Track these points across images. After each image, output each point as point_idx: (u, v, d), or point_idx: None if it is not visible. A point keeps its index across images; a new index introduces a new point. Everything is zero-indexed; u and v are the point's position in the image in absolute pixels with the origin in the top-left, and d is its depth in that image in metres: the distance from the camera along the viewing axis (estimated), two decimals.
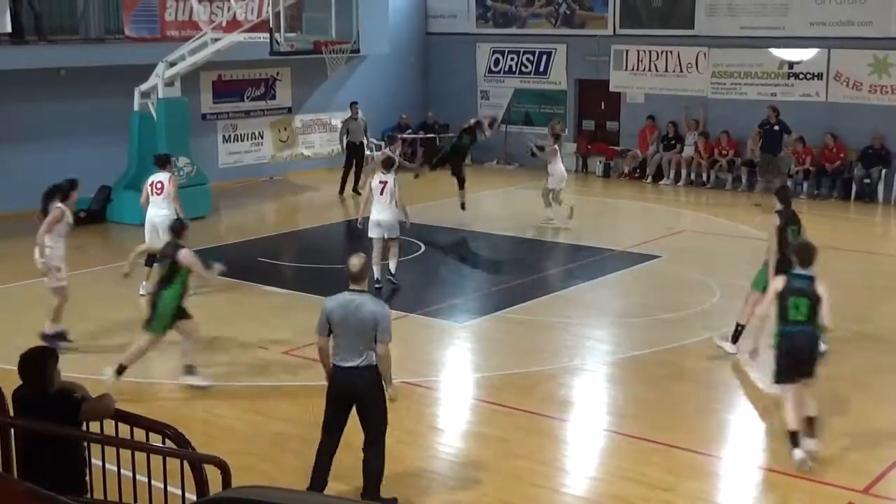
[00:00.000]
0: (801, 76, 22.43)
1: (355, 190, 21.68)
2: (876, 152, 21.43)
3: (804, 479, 8.28)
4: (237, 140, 23.19)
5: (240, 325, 12.65)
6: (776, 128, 21.64)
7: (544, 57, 25.82)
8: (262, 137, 23.76)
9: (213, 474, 6.27)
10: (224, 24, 19.95)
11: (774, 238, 10.93)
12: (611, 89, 24.78)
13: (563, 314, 13.21)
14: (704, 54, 23.42)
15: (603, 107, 25.20)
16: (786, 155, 21.72)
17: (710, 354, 11.44)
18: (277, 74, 23.77)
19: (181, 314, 10.46)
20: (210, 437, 8.61)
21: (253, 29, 19.16)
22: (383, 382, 7.81)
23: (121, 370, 10.07)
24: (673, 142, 23.58)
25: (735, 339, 11.35)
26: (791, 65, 22.53)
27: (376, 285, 13.29)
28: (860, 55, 21.64)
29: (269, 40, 18.02)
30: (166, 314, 10.31)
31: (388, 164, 14.13)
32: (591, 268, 15.58)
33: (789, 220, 11.12)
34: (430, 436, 9.42)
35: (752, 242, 17.04)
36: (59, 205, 11.62)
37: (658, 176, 23.62)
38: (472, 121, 19.84)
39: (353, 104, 22.64)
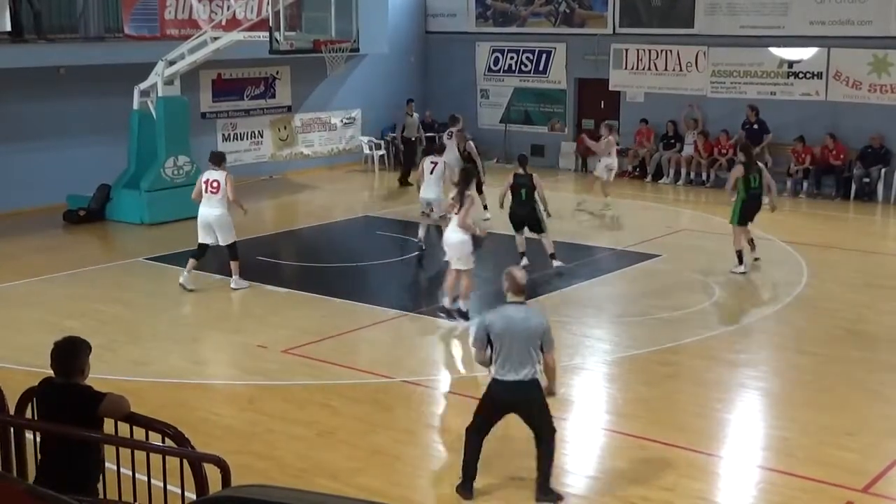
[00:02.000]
0: (800, 75, 22.43)
1: (404, 182, 22.45)
2: (875, 151, 21.43)
3: (803, 478, 8.29)
4: (237, 139, 23.19)
5: (239, 324, 12.67)
6: (755, 127, 21.75)
7: (544, 56, 25.82)
8: (261, 136, 23.77)
9: (212, 473, 6.27)
10: (224, 22, 19.95)
11: (732, 180, 15.13)
12: (610, 88, 24.78)
13: (562, 313, 13.19)
14: (704, 53, 23.42)
15: (602, 106, 25.19)
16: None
17: (710, 354, 11.46)
18: (277, 73, 23.77)
19: None
20: (210, 436, 8.61)
21: (252, 28, 19.17)
22: (549, 384, 8.03)
23: None
24: (672, 141, 23.60)
25: (740, 261, 14.93)
26: (791, 64, 22.53)
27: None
28: (860, 54, 21.64)
29: (268, 39, 18.02)
30: None
31: (440, 150, 16.60)
32: (590, 267, 15.58)
33: (750, 170, 14.91)
34: (429, 435, 9.42)
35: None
36: None
37: (658, 175, 23.63)
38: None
39: (410, 101, 24.10)
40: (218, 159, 14.26)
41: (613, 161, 19.93)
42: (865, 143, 21.49)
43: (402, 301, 13.99)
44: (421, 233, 16.29)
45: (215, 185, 13.81)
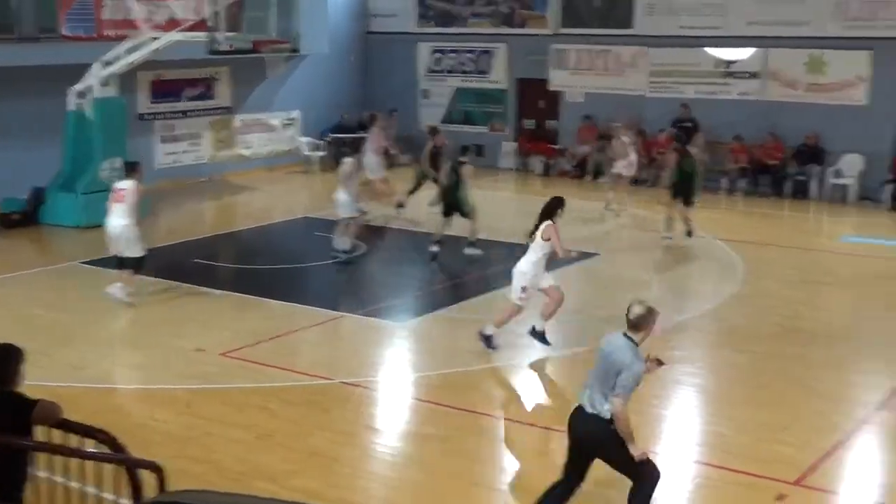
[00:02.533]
0: (738, 75, 22.71)
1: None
2: (810, 150, 21.77)
3: (738, 472, 8.39)
4: (175, 140, 22.96)
5: (177, 328, 12.53)
6: (688, 125, 22.05)
7: (485, 56, 25.89)
8: (200, 138, 23.55)
9: (148, 479, 6.21)
10: (162, 23, 19.75)
11: (671, 166, 17.52)
12: (551, 88, 24.92)
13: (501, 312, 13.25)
14: (643, 53, 23.63)
15: (543, 106, 25.33)
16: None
17: (647, 351, 11.51)
18: (216, 74, 23.56)
19: None
20: (146, 441, 8.51)
21: (191, 28, 19.01)
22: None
23: None
24: (610, 141, 23.76)
25: (689, 234, 16.83)
26: (728, 64, 22.80)
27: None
28: (796, 54, 21.96)
29: (207, 40, 17.88)
30: None
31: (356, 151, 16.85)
32: None
33: (684, 157, 17.31)
34: (367, 436, 9.40)
35: (687, 240, 17.24)
36: None
37: (597, 174, 23.79)
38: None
39: (392, 112, 24.04)
40: (129, 169, 13.77)
41: (633, 157, 20.15)
42: (801, 142, 21.83)
43: (341, 302, 13.96)
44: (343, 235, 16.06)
45: (121, 194, 13.23)
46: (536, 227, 11.37)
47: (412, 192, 19.25)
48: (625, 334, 7.05)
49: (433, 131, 19.83)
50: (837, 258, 17.00)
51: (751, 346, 11.86)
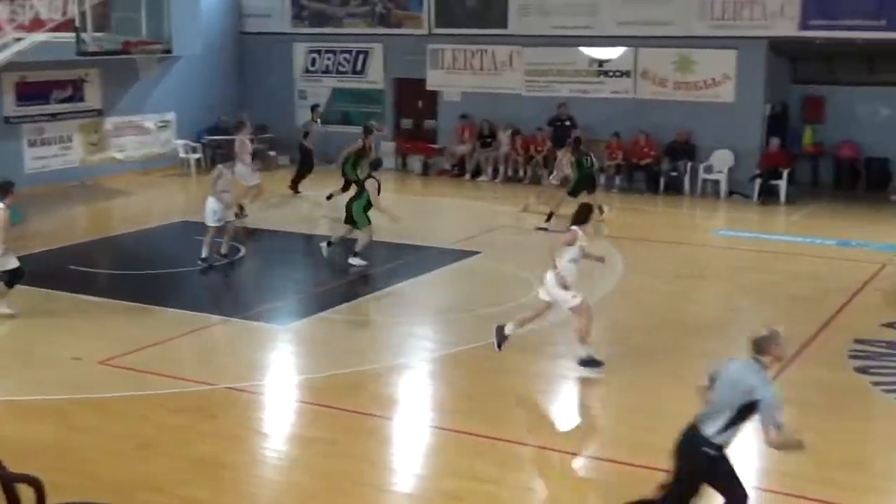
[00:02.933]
0: (610, 74, 23.15)
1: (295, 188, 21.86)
2: (681, 146, 22.33)
3: (621, 462, 8.55)
4: (44, 144, 22.29)
5: (52, 336, 12.15)
6: (567, 123, 22.43)
7: (361, 56, 25.83)
8: (70, 141, 22.91)
9: (26, 493, 6.01)
10: (27, 23, 19.13)
11: (568, 165, 18.78)
12: (427, 88, 25.00)
13: (386, 313, 13.25)
14: (518, 53, 23.89)
15: (420, 106, 25.40)
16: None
17: (532, 347, 11.67)
18: (86, 76, 22.95)
19: None
20: (22, 454, 8.23)
21: (58, 28, 18.47)
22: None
23: None
24: (489, 140, 24.00)
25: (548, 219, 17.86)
26: (601, 63, 23.22)
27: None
28: (665, 53, 22.49)
29: (75, 40, 17.39)
30: None
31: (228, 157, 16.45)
32: (412, 266, 15.65)
33: (583, 155, 18.55)
34: (255, 440, 9.28)
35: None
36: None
37: (476, 173, 23.98)
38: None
39: (314, 108, 23.44)
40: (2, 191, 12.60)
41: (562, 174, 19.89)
42: (673, 139, 22.38)
43: (223, 307, 13.76)
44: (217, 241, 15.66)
45: None
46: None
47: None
48: (752, 358, 6.73)
49: (367, 131, 19.82)
50: (710, 252, 17.49)
51: (630, 339, 12.11)
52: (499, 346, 11.19)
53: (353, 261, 15.23)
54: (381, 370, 11.02)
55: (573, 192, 18.13)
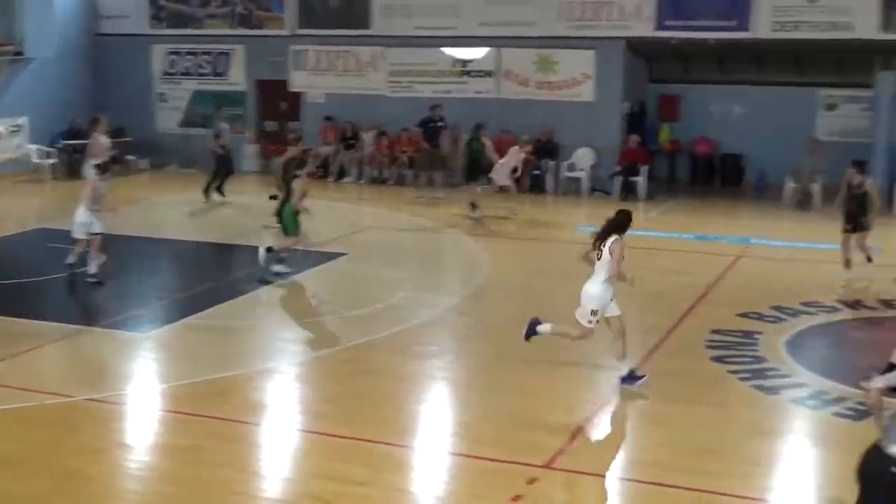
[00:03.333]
0: (473, 74, 23.36)
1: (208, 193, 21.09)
2: (544, 145, 22.68)
3: (491, 460, 8.61)
4: None
5: None
6: (440, 124, 22.63)
7: (222, 58, 25.49)
8: None
9: None
10: None
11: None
12: (291, 89, 24.81)
13: (251, 317, 13.09)
14: (382, 54, 23.90)
15: (285, 107, 25.19)
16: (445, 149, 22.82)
17: (399, 348, 11.70)
18: None
19: None
20: None
21: None
22: None
23: None
24: (352, 141, 23.96)
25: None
26: (464, 63, 23.43)
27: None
28: (526, 54, 22.82)
29: None
30: None
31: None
32: None
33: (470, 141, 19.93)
34: (118, 452, 9.03)
35: (430, 236, 17.61)
36: None
37: (341, 174, 23.91)
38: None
39: (219, 108, 22.75)
40: None
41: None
42: (536, 138, 22.70)
43: (81, 316, 13.39)
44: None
45: None
46: (602, 241, 10.12)
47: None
48: None
49: (297, 139, 19.52)
50: (574, 249, 17.75)
51: (497, 337, 12.22)
52: (526, 338, 10.74)
53: (277, 268, 14.84)
54: (247, 375, 10.87)
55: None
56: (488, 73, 23.33)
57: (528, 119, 22.64)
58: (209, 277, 15.16)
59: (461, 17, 23.28)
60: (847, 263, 15.19)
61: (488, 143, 20.23)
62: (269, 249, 14.97)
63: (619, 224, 10.14)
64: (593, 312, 10.11)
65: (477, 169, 20.04)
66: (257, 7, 25.02)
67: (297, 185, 14.93)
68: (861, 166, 15.48)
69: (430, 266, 16.59)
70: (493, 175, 19.69)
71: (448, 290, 14.90)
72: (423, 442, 9.33)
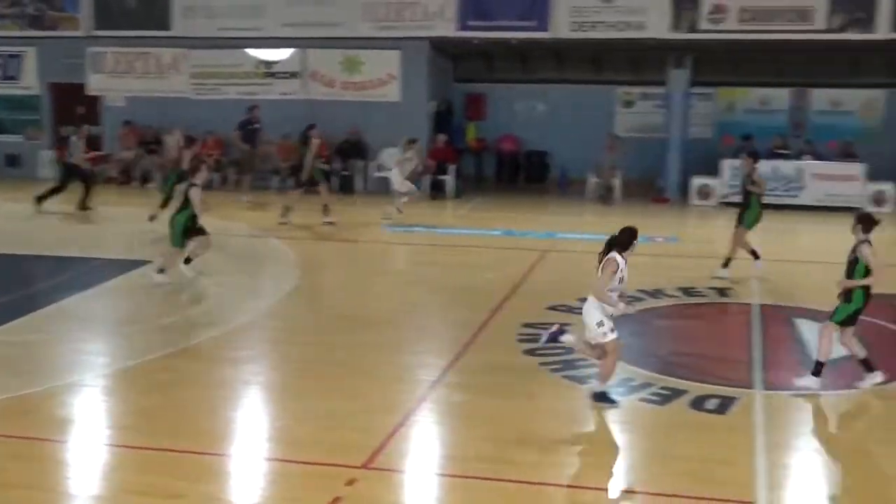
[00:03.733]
0: (279, 75, 23.14)
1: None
2: (353, 145, 22.67)
3: (308, 463, 8.54)
4: None
5: None
6: (258, 126, 22.36)
7: (13, 61, 24.42)
8: None
9: None
10: None
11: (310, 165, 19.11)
12: (89, 93, 23.98)
13: (53, 331, 12.56)
14: (184, 55, 23.38)
15: (83, 111, 24.31)
16: (268, 150, 22.55)
17: (211, 355, 11.46)
18: None
19: None
20: None
21: None
22: None
23: None
24: (154, 146, 23.37)
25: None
26: (268, 64, 23.18)
27: None
28: (332, 54, 22.78)
29: None
30: None
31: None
32: (80, 279, 14.94)
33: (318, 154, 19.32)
34: None
35: (244, 240, 17.34)
36: None
37: (145, 179, 23.27)
38: None
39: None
40: None
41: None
42: (343, 139, 22.67)
43: None
44: None
45: None
46: (601, 258, 9.76)
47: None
48: None
49: (189, 141, 18.63)
50: (384, 248, 17.87)
51: (310, 339, 12.14)
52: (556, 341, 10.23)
53: (158, 278, 14.22)
54: (52, 391, 10.41)
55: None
56: (294, 75, 23.16)
57: (336, 120, 22.59)
58: (4, 290, 14.45)
59: (265, 18, 23.03)
60: (754, 254, 15.23)
61: (315, 142, 19.79)
62: (161, 270, 14.55)
63: (618, 242, 9.77)
64: (599, 324, 9.66)
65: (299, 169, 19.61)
66: (50, 7, 24.05)
67: (193, 194, 14.40)
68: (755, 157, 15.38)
69: (240, 270, 16.32)
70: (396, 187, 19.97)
71: (258, 294, 14.69)
72: (239, 449, 9.16)
